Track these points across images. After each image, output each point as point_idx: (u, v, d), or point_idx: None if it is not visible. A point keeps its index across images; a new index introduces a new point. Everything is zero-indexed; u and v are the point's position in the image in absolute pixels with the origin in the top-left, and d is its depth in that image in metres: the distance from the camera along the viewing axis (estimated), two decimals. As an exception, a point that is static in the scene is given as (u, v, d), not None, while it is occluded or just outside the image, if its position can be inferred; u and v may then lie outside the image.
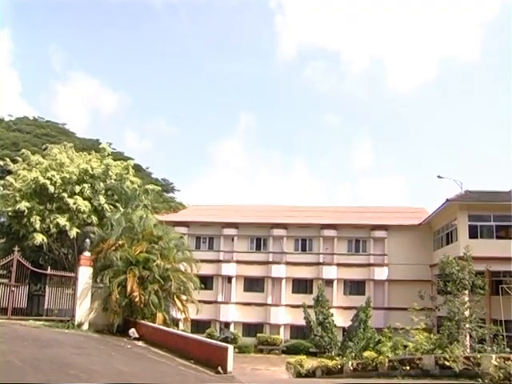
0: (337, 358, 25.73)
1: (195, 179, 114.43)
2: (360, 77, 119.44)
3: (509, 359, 14.53)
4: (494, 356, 15.23)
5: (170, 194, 70.19)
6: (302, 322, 41.22)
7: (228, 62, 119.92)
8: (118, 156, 46.03)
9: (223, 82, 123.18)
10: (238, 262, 48.76)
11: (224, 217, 50.32)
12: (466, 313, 24.17)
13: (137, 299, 21.97)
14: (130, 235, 24.72)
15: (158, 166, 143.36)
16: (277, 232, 48.65)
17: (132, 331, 21.27)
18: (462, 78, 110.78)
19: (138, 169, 49.23)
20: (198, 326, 42.66)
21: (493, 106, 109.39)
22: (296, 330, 45.79)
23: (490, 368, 14.27)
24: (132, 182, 33.30)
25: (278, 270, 47.93)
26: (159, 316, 22.77)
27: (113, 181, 32.43)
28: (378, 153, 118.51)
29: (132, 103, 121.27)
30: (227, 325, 47.77)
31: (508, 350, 20.66)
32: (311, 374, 25.05)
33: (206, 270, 41.51)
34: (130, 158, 45.47)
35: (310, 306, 40.90)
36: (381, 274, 46.71)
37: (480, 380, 14.31)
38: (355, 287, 47.73)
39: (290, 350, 41.77)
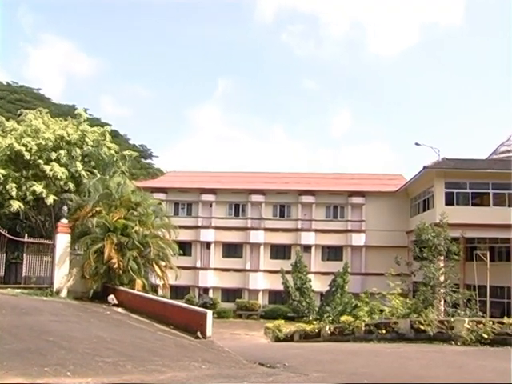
0: (314, 323, 26.09)
1: (173, 145, 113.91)
2: (339, 41, 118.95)
3: (481, 323, 14.91)
4: (466, 320, 15.62)
5: (148, 161, 69.95)
6: (281, 288, 41.70)
7: (205, 26, 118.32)
8: (95, 122, 45.46)
9: (200, 47, 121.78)
10: (217, 228, 48.89)
11: (202, 183, 50.22)
12: (441, 278, 24.65)
13: (115, 266, 21.92)
14: (107, 202, 24.51)
15: (136, 132, 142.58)
16: (255, 198, 48.74)
17: (111, 298, 21.27)
18: (444, 44, 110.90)
19: (115, 135, 48.79)
20: (177, 291, 42.89)
21: (473, 74, 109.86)
22: (274, 296, 46.32)
23: (463, 331, 14.65)
24: (109, 149, 32.87)
25: (257, 236, 48.20)
26: (138, 282, 22.77)
27: (90, 147, 31.98)
28: (359, 119, 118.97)
29: (108, 68, 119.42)
30: (206, 290, 48.13)
31: (480, 314, 21.19)
32: (289, 338, 25.44)
33: (185, 236, 41.50)
34: (107, 124, 44.74)
35: (288, 272, 41.32)
36: (358, 240, 47.26)
37: (453, 343, 14.69)
38: (333, 253, 48.23)
39: (269, 315, 42.25)
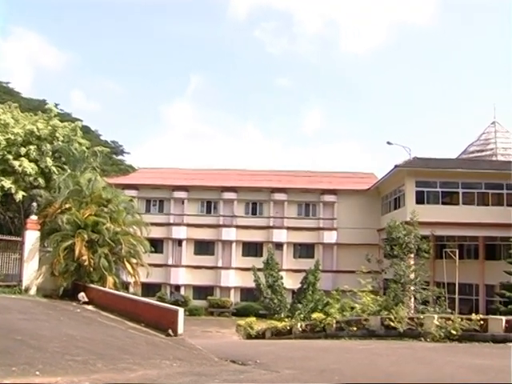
0: (286, 320, 26.22)
1: (145, 141, 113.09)
2: (313, 39, 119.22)
3: (449, 319, 15.12)
4: (436, 316, 15.82)
5: (120, 157, 69.24)
6: (252, 285, 41.67)
7: (177, 22, 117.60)
8: (66, 117, 44.85)
9: (173, 44, 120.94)
10: (189, 225, 48.70)
11: (174, 180, 49.94)
12: (411, 275, 25.00)
13: (86, 263, 21.67)
14: (78, 198, 24.21)
15: (108, 128, 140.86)
16: (227, 195, 48.68)
17: (81, 295, 21.02)
18: (415, 43, 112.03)
19: (86, 130, 48.13)
20: (149, 289, 42.54)
21: (444, 73, 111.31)
22: (246, 293, 46.33)
23: (432, 328, 14.83)
24: (80, 144, 32.51)
25: (229, 233, 48.16)
26: (109, 280, 22.56)
27: (60, 142, 31.59)
28: (331, 117, 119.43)
29: (79, 63, 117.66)
30: (178, 288, 47.95)
31: (449, 310, 21.57)
32: (261, 335, 25.49)
33: (156, 233, 41.23)
34: (78, 120, 44.29)
35: (259, 269, 41.30)
36: (330, 237, 47.55)
37: (423, 339, 14.87)
38: (305, 250, 48.47)
39: (240, 313, 42.26)
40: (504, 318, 14.65)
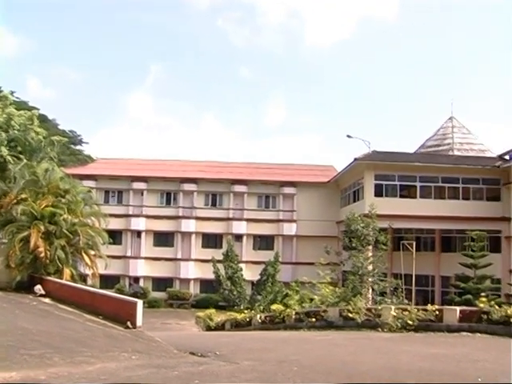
0: (245, 312, 26.29)
1: (104, 131, 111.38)
2: (277, 30, 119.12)
3: (406, 310, 15.41)
4: (393, 307, 16.10)
5: (78, 147, 68.12)
6: (212, 277, 41.63)
7: (137, 9, 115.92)
8: (22, 105, 43.78)
9: (133, 31, 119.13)
10: (148, 216, 48.26)
11: (133, 170, 49.36)
12: (369, 267, 25.40)
13: (42, 255, 21.32)
14: (34, 189, 23.76)
15: (65, 117, 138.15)
16: (187, 187, 48.39)
17: (38, 288, 20.66)
18: (378, 38, 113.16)
19: (43, 119, 47.18)
20: (107, 281, 42.04)
21: (404, 67, 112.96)
22: (206, 285, 46.21)
23: (390, 318, 15.09)
24: (37, 133, 31.88)
25: (188, 225, 47.95)
26: (66, 272, 22.25)
27: (16, 131, 30.91)
28: (293, 109, 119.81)
29: (36, 49, 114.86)
30: (137, 280, 47.52)
31: (406, 301, 22.00)
32: (220, 327, 25.52)
33: (115, 224, 40.82)
34: (34, 108, 43.32)
35: (219, 261, 41.29)
36: (289, 229, 47.84)
37: (380, 329, 15.12)
38: (264, 242, 48.64)
39: (200, 304, 42.14)
40: (458, 309, 15.01)
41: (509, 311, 13.17)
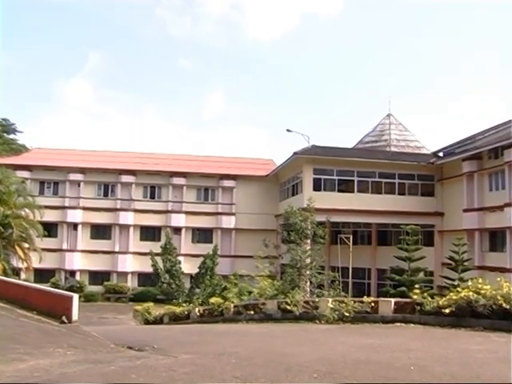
0: (184, 305, 26.21)
1: (40, 120, 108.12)
2: (217, 21, 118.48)
3: (343, 302, 15.66)
4: (330, 300, 16.34)
5: (12, 136, 65.95)
6: (150, 270, 41.23)
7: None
8: (-50, 92, 41.91)
9: (70, 17, 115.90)
10: (85, 208, 47.26)
11: (70, 161, 48.12)
12: (307, 260, 25.73)
13: (-29, 248, 20.56)
14: (-37, 179, 22.86)
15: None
16: (125, 178, 47.70)
17: (-34, 282, 19.90)
18: (322, 32, 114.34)
19: (-27, 107, 45.32)
20: (42, 275, 40.86)
21: (345, 64, 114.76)
22: (144, 278, 45.78)
23: (327, 310, 15.31)
24: (-33, 121, 30.59)
25: (126, 217, 47.32)
26: (-3, 265, 21.54)
27: None
28: (234, 102, 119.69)
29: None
30: (73, 273, 46.49)
31: (343, 294, 22.42)
32: (159, 321, 25.35)
33: (51, 216, 39.78)
34: (-36, 95, 41.54)
35: (157, 254, 40.93)
36: (228, 222, 47.94)
37: (317, 321, 15.33)
38: (203, 235, 48.62)
39: (138, 298, 41.71)
40: (393, 300, 15.38)
41: (440, 302, 13.59)
